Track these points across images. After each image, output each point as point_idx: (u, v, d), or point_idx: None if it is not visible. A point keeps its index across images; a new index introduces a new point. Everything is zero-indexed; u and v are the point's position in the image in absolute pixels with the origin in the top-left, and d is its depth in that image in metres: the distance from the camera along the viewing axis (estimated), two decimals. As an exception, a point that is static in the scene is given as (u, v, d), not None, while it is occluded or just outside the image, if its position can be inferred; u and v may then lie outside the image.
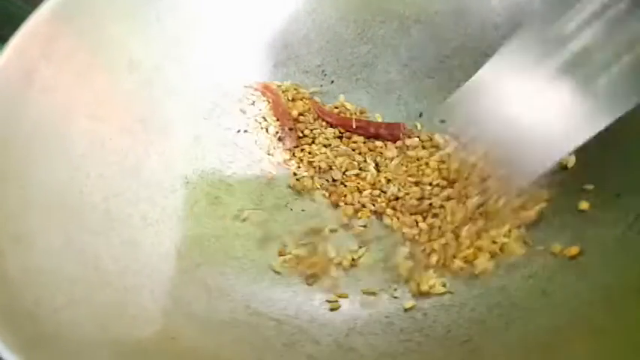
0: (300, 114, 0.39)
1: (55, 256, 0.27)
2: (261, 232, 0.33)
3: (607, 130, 0.29)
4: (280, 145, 0.38)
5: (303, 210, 0.35)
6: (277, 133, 0.38)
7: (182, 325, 0.27)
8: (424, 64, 0.38)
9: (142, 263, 0.30)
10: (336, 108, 0.39)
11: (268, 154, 0.38)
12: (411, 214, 0.32)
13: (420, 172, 0.34)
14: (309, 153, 0.37)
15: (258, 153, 0.38)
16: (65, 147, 0.31)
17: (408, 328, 0.27)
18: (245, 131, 0.39)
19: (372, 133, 0.37)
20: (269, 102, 0.39)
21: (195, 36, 0.38)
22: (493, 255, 0.28)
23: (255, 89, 0.40)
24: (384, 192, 0.34)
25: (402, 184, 0.33)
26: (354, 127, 0.37)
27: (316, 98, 0.40)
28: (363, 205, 0.34)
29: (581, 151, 0.29)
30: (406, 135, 0.36)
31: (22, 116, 0.30)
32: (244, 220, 0.34)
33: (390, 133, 0.37)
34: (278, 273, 0.31)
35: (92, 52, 0.34)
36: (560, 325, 0.23)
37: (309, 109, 0.39)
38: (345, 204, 0.34)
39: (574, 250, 0.26)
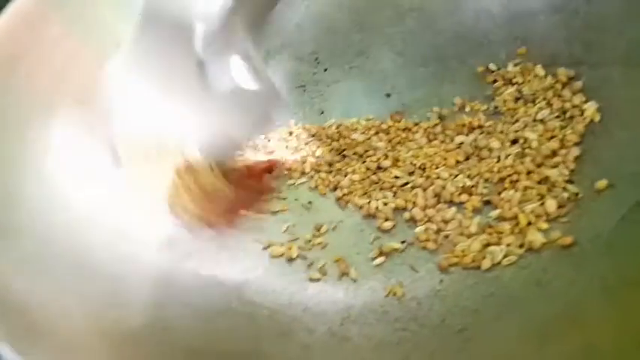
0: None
1: (43, 245, 0.26)
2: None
3: (600, 119, 0.29)
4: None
5: (309, 202, 0.34)
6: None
7: (175, 315, 0.26)
8: (418, 53, 0.38)
9: (132, 252, 0.29)
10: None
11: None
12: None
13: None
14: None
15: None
16: (51, 135, 0.30)
17: (402, 317, 0.27)
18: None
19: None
20: None
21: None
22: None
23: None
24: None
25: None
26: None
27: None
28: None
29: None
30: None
31: (7, 103, 0.30)
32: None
33: None
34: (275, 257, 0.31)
35: (81, 39, 0.33)
36: (556, 315, 0.23)
37: None
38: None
39: (568, 239, 0.26)
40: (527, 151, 0.31)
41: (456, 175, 0.32)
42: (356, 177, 0.34)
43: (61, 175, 0.30)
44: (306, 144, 0.37)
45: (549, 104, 0.32)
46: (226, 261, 0.31)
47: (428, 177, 0.32)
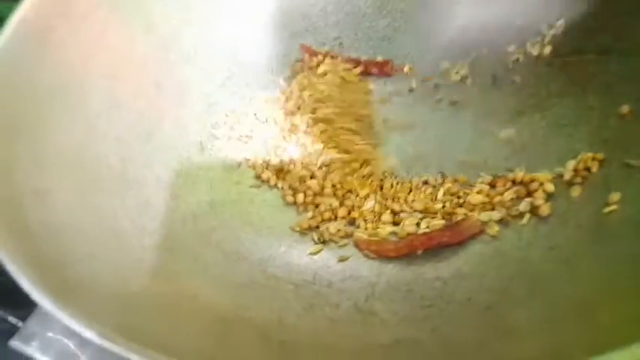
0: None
1: (73, 213, 0.26)
2: (277, 199, 0.33)
3: (630, 106, 0.29)
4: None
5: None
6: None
7: (201, 285, 0.26)
8: (444, 39, 0.38)
9: (158, 224, 0.29)
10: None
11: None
12: None
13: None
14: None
15: (273, 123, 0.38)
16: (81, 106, 0.31)
17: (428, 295, 0.27)
18: (264, 101, 0.38)
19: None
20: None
21: (212, 3, 0.38)
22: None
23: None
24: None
25: None
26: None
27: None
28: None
29: (603, 126, 0.30)
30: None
31: (39, 74, 0.30)
32: (259, 186, 0.34)
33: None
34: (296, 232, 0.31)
35: (110, 12, 0.33)
36: (586, 294, 0.23)
37: None
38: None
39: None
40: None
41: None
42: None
43: (90, 146, 0.30)
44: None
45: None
46: (250, 236, 0.31)
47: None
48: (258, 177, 0.35)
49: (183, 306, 0.24)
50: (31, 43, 0.30)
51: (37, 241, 0.22)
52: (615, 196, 0.26)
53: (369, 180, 0.34)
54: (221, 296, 0.26)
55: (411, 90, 0.38)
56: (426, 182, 0.33)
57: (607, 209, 0.26)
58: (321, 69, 0.38)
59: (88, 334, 0.18)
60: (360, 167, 0.34)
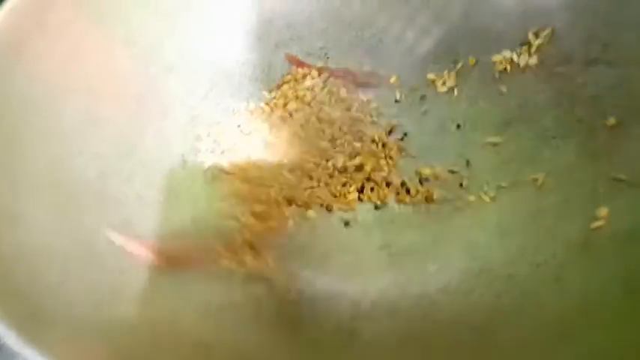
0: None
1: (48, 234, 0.25)
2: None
3: (617, 118, 0.29)
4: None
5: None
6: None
7: (180, 308, 0.26)
8: (430, 50, 0.38)
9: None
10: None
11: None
12: None
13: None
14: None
15: (257, 134, 0.37)
16: (57, 122, 0.30)
17: (414, 314, 0.26)
18: (248, 112, 0.37)
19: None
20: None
21: (193, 12, 0.37)
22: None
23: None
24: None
25: None
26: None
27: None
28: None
29: (591, 138, 0.30)
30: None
31: (12, 87, 0.29)
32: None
33: None
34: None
35: (88, 24, 0.32)
36: (574, 312, 0.22)
37: None
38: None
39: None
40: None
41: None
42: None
43: (67, 163, 0.29)
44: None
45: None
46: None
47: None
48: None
49: (163, 331, 0.24)
50: (5, 55, 0.29)
51: (6, 266, 0.21)
52: (603, 211, 0.26)
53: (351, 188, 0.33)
54: (201, 319, 0.25)
55: (397, 101, 0.37)
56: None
57: (595, 224, 0.26)
58: (307, 82, 0.37)
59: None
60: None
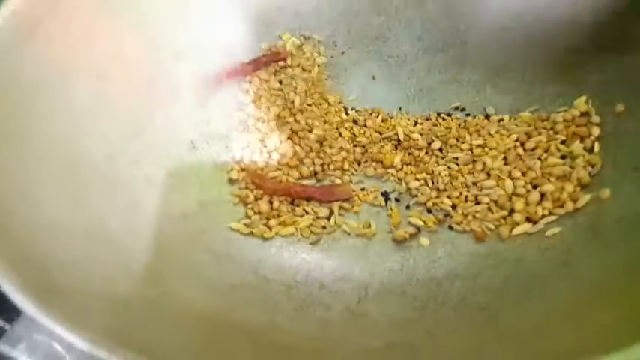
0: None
1: (59, 213, 0.26)
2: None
3: (625, 105, 0.29)
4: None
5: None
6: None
7: (191, 287, 0.26)
8: (438, 38, 0.38)
9: (148, 225, 0.29)
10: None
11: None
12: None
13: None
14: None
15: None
16: (68, 104, 0.30)
17: (422, 296, 0.26)
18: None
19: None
20: None
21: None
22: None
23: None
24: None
25: None
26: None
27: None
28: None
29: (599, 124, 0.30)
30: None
31: (25, 70, 0.29)
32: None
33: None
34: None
35: (99, 7, 0.32)
36: (582, 294, 0.23)
37: None
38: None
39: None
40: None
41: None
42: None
43: (77, 145, 0.29)
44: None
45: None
46: (240, 237, 0.30)
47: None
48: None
49: (172, 309, 0.24)
50: (17, 38, 0.29)
51: (23, 245, 0.22)
52: (605, 193, 0.26)
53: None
54: (211, 298, 0.26)
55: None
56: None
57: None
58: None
59: (72, 338, 0.17)
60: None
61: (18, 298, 0.18)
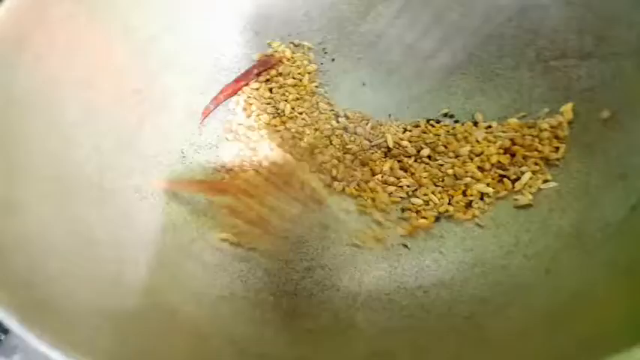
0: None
1: (47, 224, 0.26)
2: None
3: (611, 111, 0.29)
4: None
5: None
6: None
7: (179, 299, 0.26)
8: (428, 45, 0.38)
9: (137, 236, 0.29)
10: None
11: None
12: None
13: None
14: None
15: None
16: (58, 115, 0.30)
17: (409, 305, 0.26)
18: (243, 109, 0.38)
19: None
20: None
21: (192, 8, 0.37)
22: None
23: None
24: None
25: None
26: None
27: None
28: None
29: (585, 131, 0.30)
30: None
31: (15, 82, 0.29)
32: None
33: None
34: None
35: (87, 18, 0.33)
36: (564, 302, 0.23)
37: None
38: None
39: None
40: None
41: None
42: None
43: (67, 156, 0.29)
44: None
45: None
46: (230, 247, 0.30)
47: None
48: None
49: (161, 321, 0.24)
50: (6, 48, 0.29)
51: (7, 256, 0.22)
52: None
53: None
54: (200, 310, 0.26)
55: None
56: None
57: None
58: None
59: (56, 355, 0.17)
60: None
61: (1, 314, 0.18)
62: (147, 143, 0.33)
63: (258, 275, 0.29)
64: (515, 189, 0.30)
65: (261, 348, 0.24)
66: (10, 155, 0.27)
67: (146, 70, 0.35)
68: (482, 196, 0.31)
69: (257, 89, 0.38)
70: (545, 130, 0.31)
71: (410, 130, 0.35)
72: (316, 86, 0.38)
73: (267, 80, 0.39)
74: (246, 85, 0.38)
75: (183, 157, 0.35)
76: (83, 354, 0.18)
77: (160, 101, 0.35)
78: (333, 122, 0.37)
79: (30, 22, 0.30)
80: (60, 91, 0.30)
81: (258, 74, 0.38)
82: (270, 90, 0.38)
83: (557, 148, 0.30)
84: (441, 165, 0.32)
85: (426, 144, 0.34)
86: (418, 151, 0.34)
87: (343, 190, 0.33)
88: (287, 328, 0.26)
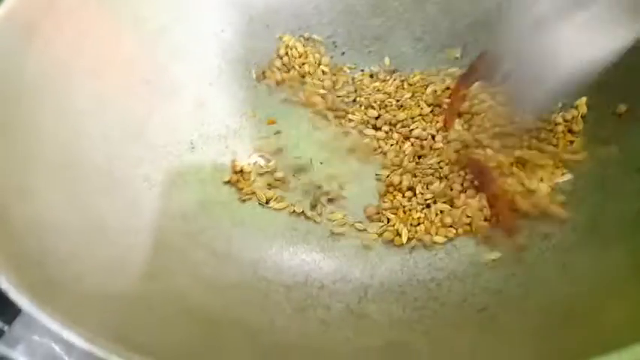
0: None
1: (58, 211, 0.25)
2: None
3: (627, 105, 0.29)
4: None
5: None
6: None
7: (189, 285, 0.26)
8: (438, 39, 0.38)
9: (146, 224, 0.29)
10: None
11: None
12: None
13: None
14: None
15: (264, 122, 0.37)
16: (67, 104, 0.30)
17: (421, 296, 0.26)
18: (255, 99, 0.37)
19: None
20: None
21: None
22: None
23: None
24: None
25: None
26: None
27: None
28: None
29: (600, 125, 0.30)
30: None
31: (24, 70, 0.29)
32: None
33: None
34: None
35: (97, 7, 0.32)
36: (581, 294, 0.22)
37: None
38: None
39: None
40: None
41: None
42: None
43: (77, 144, 0.29)
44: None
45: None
46: (241, 237, 0.30)
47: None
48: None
49: (170, 307, 0.24)
50: (15, 39, 0.29)
51: (19, 240, 0.22)
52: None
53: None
54: (210, 297, 0.26)
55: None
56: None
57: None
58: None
59: (67, 334, 0.17)
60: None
61: (13, 292, 0.18)
62: (156, 133, 0.33)
63: (268, 265, 0.29)
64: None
65: (273, 337, 0.24)
66: (21, 141, 0.26)
67: (155, 61, 0.35)
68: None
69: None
70: (560, 124, 0.31)
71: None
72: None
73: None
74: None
75: (193, 147, 0.34)
76: (93, 334, 0.18)
77: (169, 92, 0.35)
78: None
79: (39, 10, 0.30)
80: (69, 78, 0.30)
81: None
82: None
83: (572, 142, 0.30)
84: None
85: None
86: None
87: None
88: (299, 318, 0.25)
